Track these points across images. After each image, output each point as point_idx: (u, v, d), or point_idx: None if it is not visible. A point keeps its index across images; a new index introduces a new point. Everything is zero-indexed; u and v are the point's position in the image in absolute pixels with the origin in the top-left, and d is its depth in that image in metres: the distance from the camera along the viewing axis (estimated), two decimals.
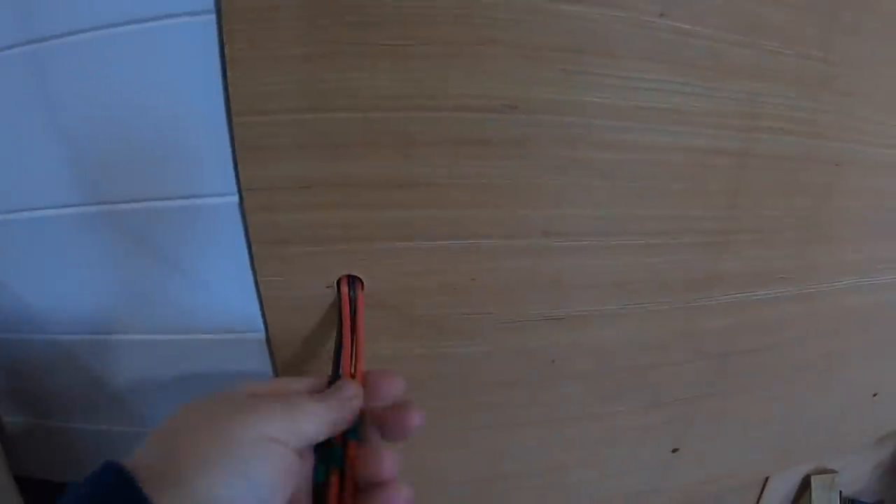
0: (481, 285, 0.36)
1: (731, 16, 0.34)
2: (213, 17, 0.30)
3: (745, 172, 0.38)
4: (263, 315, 0.37)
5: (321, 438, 0.24)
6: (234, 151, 0.32)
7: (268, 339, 0.38)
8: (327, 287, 0.35)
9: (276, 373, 0.39)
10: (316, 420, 0.24)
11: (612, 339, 0.40)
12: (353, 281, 0.34)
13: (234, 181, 0.33)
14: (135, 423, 0.45)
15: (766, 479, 0.66)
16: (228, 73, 0.30)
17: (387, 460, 0.25)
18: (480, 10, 0.30)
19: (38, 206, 0.38)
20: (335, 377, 0.29)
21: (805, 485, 0.70)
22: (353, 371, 0.29)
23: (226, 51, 0.30)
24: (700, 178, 0.37)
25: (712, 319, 0.43)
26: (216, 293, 0.38)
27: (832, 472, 0.70)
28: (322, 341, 0.37)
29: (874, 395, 0.61)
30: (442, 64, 0.30)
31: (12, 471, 0.46)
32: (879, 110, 0.42)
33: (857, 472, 0.74)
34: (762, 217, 0.41)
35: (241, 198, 0.33)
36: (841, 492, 0.71)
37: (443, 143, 0.32)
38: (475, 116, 0.31)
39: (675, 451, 0.51)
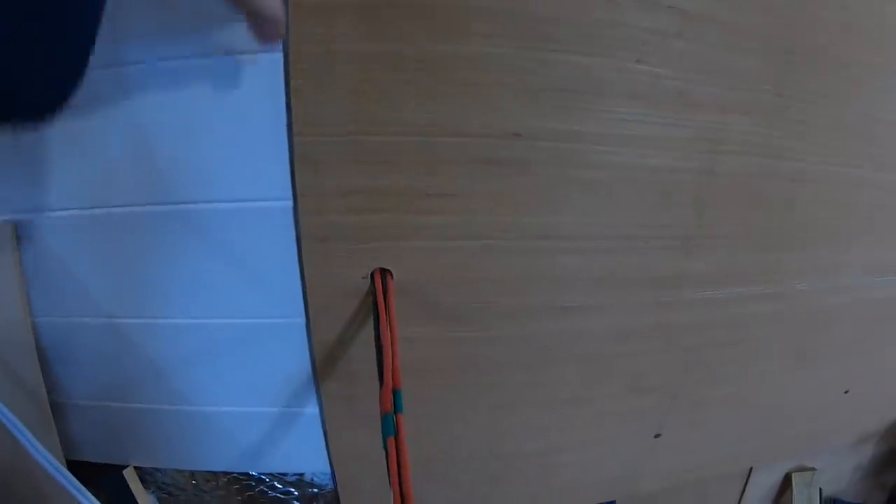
0: (489, 279, 0.47)
1: (697, 61, 0.46)
2: (280, 55, 0.41)
3: (710, 187, 0.50)
4: (306, 302, 0.48)
5: None
6: (291, 164, 0.44)
7: (307, 324, 0.49)
8: (363, 278, 0.46)
9: (312, 353, 0.50)
10: None
11: (596, 328, 0.51)
12: (384, 273, 0.45)
13: (289, 188, 0.45)
14: (174, 401, 0.56)
15: (750, 472, 0.78)
16: (292, 101, 0.42)
17: None
18: (492, 59, 0.42)
19: (112, 204, 0.49)
20: (379, 362, 0.40)
21: (787, 481, 0.81)
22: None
23: (291, 83, 0.41)
24: (669, 192, 0.49)
25: (682, 314, 0.54)
26: (264, 283, 0.49)
27: (811, 469, 0.81)
28: (355, 325, 0.48)
29: (845, 391, 0.72)
30: (461, 101, 0.42)
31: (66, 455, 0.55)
32: (829, 135, 0.54)
33: (837, 472, 0.85)
34: (726, 225, 0.52)
35: (294, 202, 0.44)
36: (821, 489, 0.82)
37: (462, 162, 0.43)
38: (488, 142, 0.43)
39: (657, 436, 0.62)
